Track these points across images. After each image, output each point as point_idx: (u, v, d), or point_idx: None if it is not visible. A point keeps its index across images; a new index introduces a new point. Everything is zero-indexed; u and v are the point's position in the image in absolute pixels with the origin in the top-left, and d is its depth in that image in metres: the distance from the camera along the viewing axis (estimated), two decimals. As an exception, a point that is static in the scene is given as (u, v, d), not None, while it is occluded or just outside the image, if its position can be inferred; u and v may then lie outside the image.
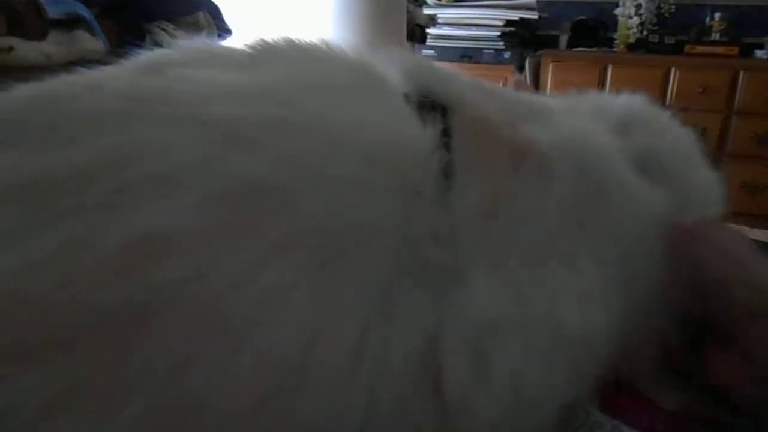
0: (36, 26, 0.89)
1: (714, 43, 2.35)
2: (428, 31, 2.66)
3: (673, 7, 2.44)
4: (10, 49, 0.84)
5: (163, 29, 1.10)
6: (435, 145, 0.24)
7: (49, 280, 0.17)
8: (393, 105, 0.25)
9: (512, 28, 2.55)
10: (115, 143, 0.20)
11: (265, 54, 0.26)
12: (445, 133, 0.25)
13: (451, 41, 2.60)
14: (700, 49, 2.34)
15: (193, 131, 0.20)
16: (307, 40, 0.28)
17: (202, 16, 1.26)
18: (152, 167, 0.19)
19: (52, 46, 0.91)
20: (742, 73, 2.20)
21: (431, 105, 0.26)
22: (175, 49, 0.27)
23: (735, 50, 2.29)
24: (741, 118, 2.23)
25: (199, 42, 0.28)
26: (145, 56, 0.26)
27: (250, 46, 0.27)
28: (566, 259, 0.26)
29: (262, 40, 0.27)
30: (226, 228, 0.19)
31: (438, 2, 2.66)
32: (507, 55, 2.53)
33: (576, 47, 2.54)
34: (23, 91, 0.23)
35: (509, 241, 0.25)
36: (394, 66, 0.28)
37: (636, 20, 2.44)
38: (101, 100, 0.22)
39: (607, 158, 0.30)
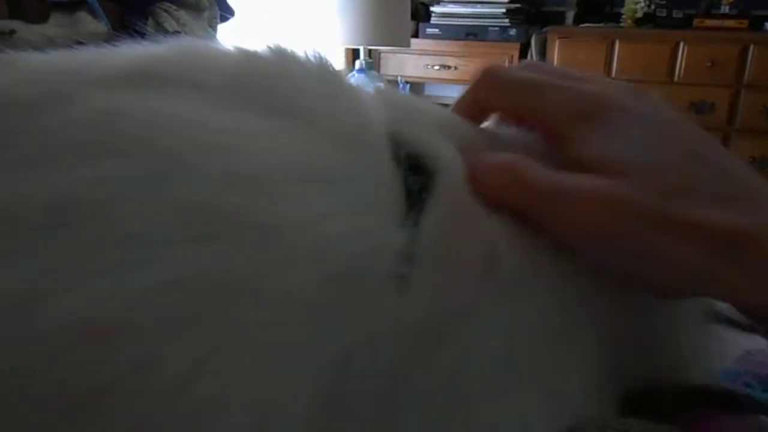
0: (37, 9, 0.88)
1: (723, 16, 2.32)
2: (432, 9, 2.63)
3: (681, -20, 2.41)
4: (12, 32, 0.83)
5: (166, 10, 1.09)
6: (407, 253, 0.22)
7: None
8: (378, 201, 0.22)
9: (517, 5, 2.52)
10: (81, 186, 0.18)
11: (262, 82, 0.24)
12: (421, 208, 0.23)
13: (455, 19, 2.57)
14: (708, 23, 2.30)
15: (165, 206, 0.19)
16: (313, 67, 0.26)
17: (204, -4, 1.25)
18: (117, 229, 0.18)
19: (53, 28, 0.90)
20: (751, 47, 2.17)
21: (419, 168, 0.24)
22: (164, 50, 0.24)
23: (744, 23, 2.26)
24: (750, 92, 2.21)
25: (187, 45, 0.25)
26: (129, 54, 0.24)
27: (243, 62, 0.25)
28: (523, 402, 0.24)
29: (250, 53, 0.25)
30: (173, 320, 0.18)
31: (442, -21, 2.63)
32: (512, 32, 2.50)
33: (583, 23, 2.51)
34: None
35: (458, 370, 0.22)
36: (394, 116, 0.26)
37: (643, -6, 2.41)
38: (71, 118, 0.20)
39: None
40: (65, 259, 0.18)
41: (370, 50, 1.92)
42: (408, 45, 1.94)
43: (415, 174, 0.23)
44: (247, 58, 0.25)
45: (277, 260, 0.20)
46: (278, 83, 0.24)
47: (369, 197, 0.22)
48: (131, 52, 0.24)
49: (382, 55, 2.66)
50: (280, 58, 0.25)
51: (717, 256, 0.23)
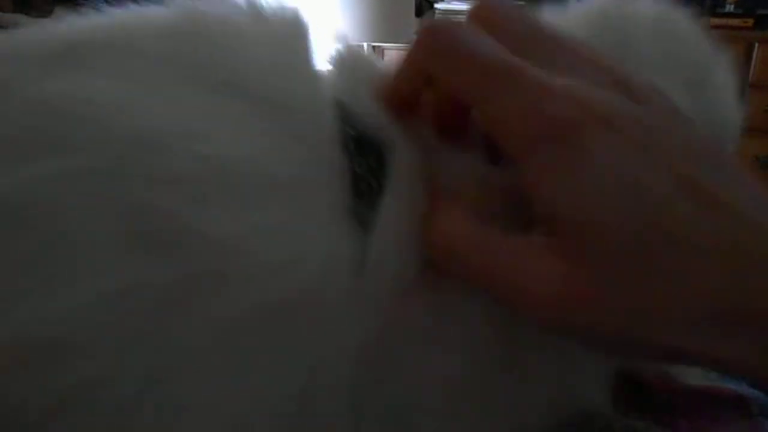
0: (42, 4, 0.88)
1: (728, 15, 2.31)
2: (435, 5, 2.62)
3: (686, -22, 2.40)
4: (16, 27, 0.83)
5: (169, 5, 1.09)
6: (358, 261, 0.21)
7: None
8: (326, 201, 0.21)
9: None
10: (20, 186, 0.17)
11: (205, 49, 0.22)
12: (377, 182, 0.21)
13: (458, 16, 2.56)
14: (713, 21, 2.29)
15: (107, 210, 0.18)
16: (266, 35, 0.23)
17: (207, -8, 1.25)
18: (56, 235, 0.17)
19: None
20: (756, 46, 2.16)
21: (370, 146, 0.22)
22: (103, 19, 0.23)
23: (749, 22, 2.25)
24: (755, 92, 2.20)
25: (128, 12, 0.23)
26: (64, 30, 0.22)
27: (185, 24, 0.22)
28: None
29: (195, 13, 0.23)
30: (128, 329, 0.18)
31: (446, -24, 2.62)
32: (516, 29, 2.49)
33: (586, 21, 2.50)
34: None
35: (411, 388, 0.22)
36: (348, 87, 0.24)
37: (648, -8, 2.40)
38: (4, 111, 0.19)
39: None
40: (6, 268, 0.17)
41: (373, 46, 1.91)
42: (411, 42, 1.94)
43: (363, 153, 0.22)
44: (191, 18, 0.23)
45: (225, 278, 0.19)
46: (224, 50, 0.22)
47: (316, 198, 0.21)
48: (70, 25, 0.23)
49: (385, 51, 2.65)
50: (242, 14, 0.23)
51: (712, 335, 0.18)
